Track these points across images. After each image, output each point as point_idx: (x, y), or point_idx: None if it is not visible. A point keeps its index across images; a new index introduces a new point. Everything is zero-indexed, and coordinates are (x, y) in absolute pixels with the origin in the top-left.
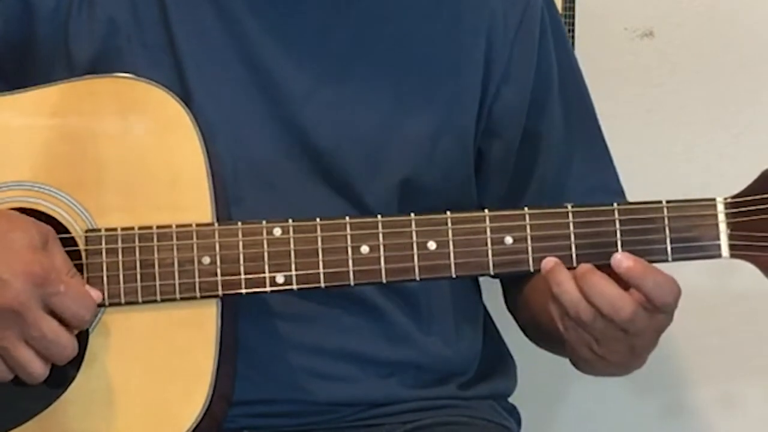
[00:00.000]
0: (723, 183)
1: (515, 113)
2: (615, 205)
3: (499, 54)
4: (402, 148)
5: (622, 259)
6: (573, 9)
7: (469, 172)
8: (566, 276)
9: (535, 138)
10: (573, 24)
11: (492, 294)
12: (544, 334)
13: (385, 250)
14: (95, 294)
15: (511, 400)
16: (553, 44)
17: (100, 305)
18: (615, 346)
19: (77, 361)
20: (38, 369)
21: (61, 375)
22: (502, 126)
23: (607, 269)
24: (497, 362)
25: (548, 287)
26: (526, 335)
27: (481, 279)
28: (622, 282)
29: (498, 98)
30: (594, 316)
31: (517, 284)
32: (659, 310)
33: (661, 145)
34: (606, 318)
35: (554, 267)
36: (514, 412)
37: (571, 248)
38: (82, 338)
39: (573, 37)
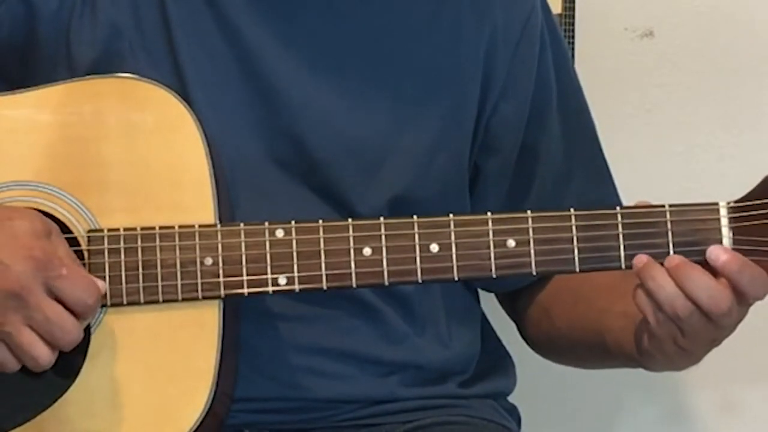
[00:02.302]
0: (723, 183)
1: (513, 128)
2: (618, 209)
3: (499, 68)
4: (398, 161)
5: (719, 253)
6: (573, 9)
7: (463, 186)
8: (661, 271)
9: (533, 153)
10: (573, 24)
11: (489, 295)
12: (570, 342)
13: (387, 252)
14: (99, 283)
15: (510, 399)
16: (553, 59)
17: (102, 305)
18: (700, 338)
19: (79, 361)
20: (43, 354)
21: (63, 374)
22: (500, 141)
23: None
24: (495, 361)
25: (598, 283)
26: (537, 346)
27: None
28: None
29: (496, 113)
30: (691, 310)
31: (525, 297)
32: (748, 304)
33: (661, 145)
34: (704, 311)
35: (648, 263)
36: (514, 412)
37: (573, 252)
38: (84, 338)
39: (573, 37)
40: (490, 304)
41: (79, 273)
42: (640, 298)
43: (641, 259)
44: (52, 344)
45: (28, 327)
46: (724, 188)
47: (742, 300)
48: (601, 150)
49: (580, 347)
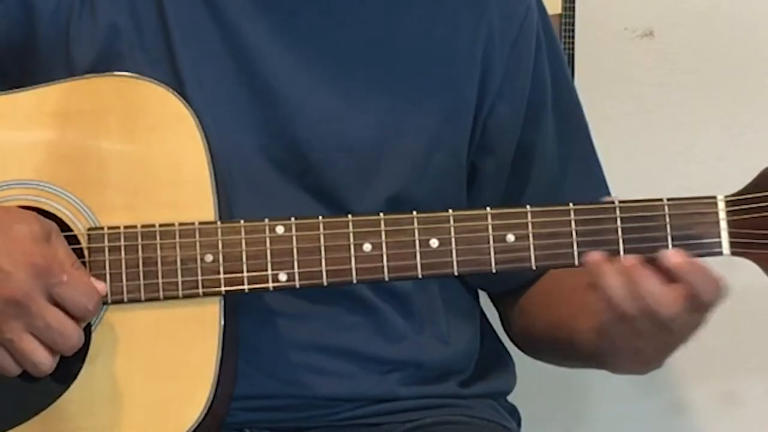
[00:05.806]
0: (723, 183)
1: (510, 128)
2: (616, 202)
3: (495, 69)
4: (395, 161)
5: (671, 256)
6: (573, 9)
7: (460, 187)
8: (611, 270)
9: (528, 153)
10: (573, 24)
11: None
12: (548, 343)
13: (387, 248)
14: (100, 286)
15: (510, 399)
16: (548, 59)
17: (103, 303)
18: (653, 341)
19: (80, 359)
20: (45, 360)
21: (64, 373)
22: (497, 141)
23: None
24: (495, 360)
25: (577, 282)
26: (522, 348)
27: None
28: (667, 277)
29: (493, 113)
30: (639, 311)
31: (511, 299)
32: (703, 308)
33: (661, 145)
34: (650, 314)
35: (599, 261)
36: (514, 413)
37: (572, 246)
38: (85, 336)
39: (573, 37)
40: (489, 303)
41: (79, 278)
42: (592, 296)
43: (593, 256)
44: (53, 350)
45: (29, 334)
46: (723, 188)
47: (695, 303)
48: (594, 150)
49: (556, 347)
